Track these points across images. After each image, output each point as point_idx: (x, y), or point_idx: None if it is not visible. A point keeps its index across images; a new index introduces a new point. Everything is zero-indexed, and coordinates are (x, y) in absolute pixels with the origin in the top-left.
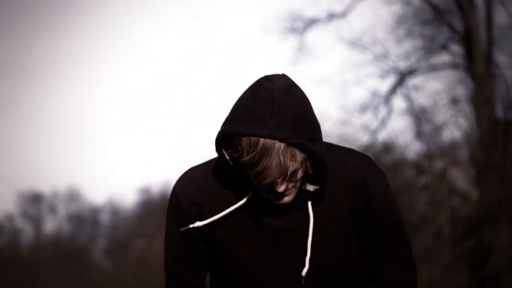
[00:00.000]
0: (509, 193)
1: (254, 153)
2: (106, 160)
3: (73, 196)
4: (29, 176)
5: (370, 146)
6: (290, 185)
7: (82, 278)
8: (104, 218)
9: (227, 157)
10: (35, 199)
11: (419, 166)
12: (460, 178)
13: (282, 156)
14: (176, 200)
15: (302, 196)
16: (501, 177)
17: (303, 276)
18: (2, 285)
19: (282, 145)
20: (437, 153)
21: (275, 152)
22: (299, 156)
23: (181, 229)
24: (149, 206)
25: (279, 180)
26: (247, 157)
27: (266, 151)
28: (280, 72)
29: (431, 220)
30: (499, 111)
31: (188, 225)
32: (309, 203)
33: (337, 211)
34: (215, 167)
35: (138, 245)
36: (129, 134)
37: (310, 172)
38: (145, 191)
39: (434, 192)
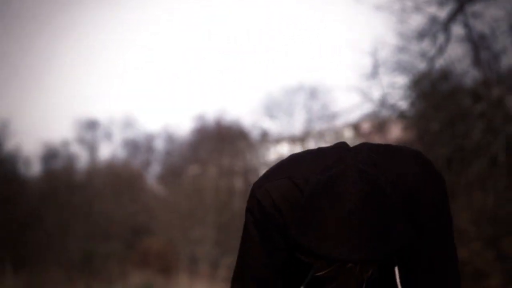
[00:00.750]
0: None
1: (331, 271)
2: (162, 87)
3: (128, 122)
4: (85, 104)
5: (427, 74)
6: None
7: (136, 203)
8: (159, 144)
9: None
10: (91, 125)
11: (476, 93)
12: None
13: (360, 271)
14: (260, 203)
15: None
16: None
17: None
18: (57, 209)
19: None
20: (495, 80)
21: (353, 271)
22: (373, 265)
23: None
24: (203, 133)
25: None
26: (324, 272)
27: (343, 272)
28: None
29: (487, 148)
30: None
31: (273, 231)
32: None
33: None
34: (290, 178)
35: (191, 171)
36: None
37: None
38: (200, 118)
39: (490, 120)
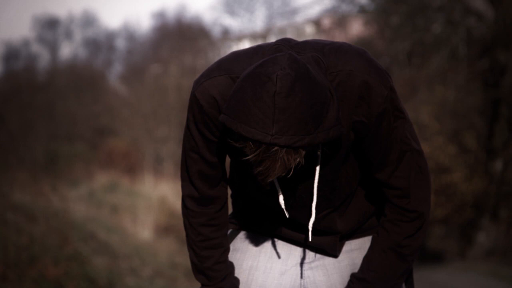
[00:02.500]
0: None
1: (257, 155)
2: None
3: (88, 20)
4: (44, 1)
5: None
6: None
7: (99, 103)
8: (120, 43)
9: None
10: (51, 23)
11: None
12: None
13: (285, 156)
14: (198, 103)
15: None
16: None
17: (309, 228)
18: (19, 110)
19: (283, 149)
20: None
21: (278, 155)
22: (301, 153)
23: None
24: (164, 30)
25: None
26: (251, 156)
27: (269, 156)
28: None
29: (447, 41)
30: None
31: (211, 126)
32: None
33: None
34: (232, 74)
35: (153, 70)
36: None
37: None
38: (160, 15)
39: (450, 13)
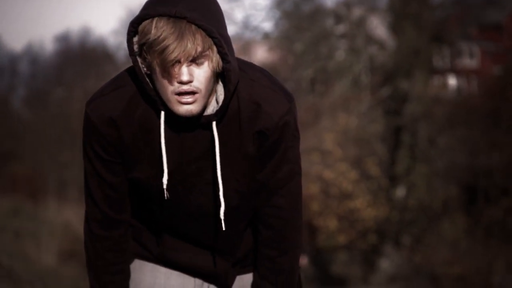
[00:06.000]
0: (425, 41)
1: (162, 29)
2: (24, 5)
3: None
4: None
5: None
6: (197, 73)
7: (2, 128)
8: (23, 66)
9: (140, 64)
10: None
11: (338, 14)
12: (378, 26)
13: (188, 33)
14: (91, 123)
15: (207, 119)
16: (417, 25)
17: (221, 218)
18: None
19: (188, 24)
20: (355, 0)
21: (180, 29)
22: (206, 40)
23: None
24: (68, 54)
25: (184, 62)
26: (154, 36)
27: (172, 28)
28: None
29: (349, 68)
30: None
31: (106, 146)
32: (214, 124)
33: (243, 139)
34: (126, 87)
35: (57, 94)
36: None
37: (218, 72)
38: (64, 39)
39: (352, 40)
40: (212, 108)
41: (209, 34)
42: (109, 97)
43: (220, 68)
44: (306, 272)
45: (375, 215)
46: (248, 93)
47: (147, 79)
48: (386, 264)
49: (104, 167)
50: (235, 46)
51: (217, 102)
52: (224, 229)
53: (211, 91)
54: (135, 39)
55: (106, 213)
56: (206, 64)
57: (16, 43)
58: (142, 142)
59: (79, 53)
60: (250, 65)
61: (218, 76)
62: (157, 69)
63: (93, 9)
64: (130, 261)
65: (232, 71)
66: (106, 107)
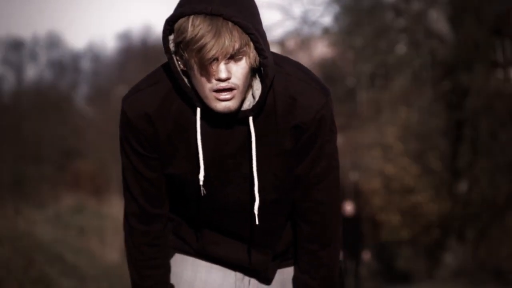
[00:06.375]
0: (485, 34)
1: (198, 27)
2: (85, 4)
3: (53, 42)
4: (8, 23)
5: None
6: (235, 70)
7: (64, 125)
8: (85, 64)
9: (176, 61)
10: (15, 45)
11: (397, 8)
12: (438, 20)
13: (225, 30)
14: (127, 118)
15: (244, 114)
16: (477, 18)
17: (255, 213)
18: None
19: (225, 21)
20: None
21: (217, 26)
22: (243, 37)
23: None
24: (129, 52)
25: (222, 59)
26: (191, 35)
27: (209, 26)
28: None
29: (409, 63)
30: None
31: (142, 141)
32: (250, 119)
33: (279, 133)
34: (162, 83)
35: (119, 91)
36: None
37: (255, 68)
38: (125, 37)
39: (412, 34)
40: (248, 103)
41: (246, 30)
42: (145, 93)
43: (257, 63)
44: (370, 267)
45: (437, 209)
46: (284, 88)
47: (183, 76)
48: (450, 259)
49: (141, 162)
50: (294, 41)
51: (254, 97)
52: (258, 223)
53: (248, 87)
54: (171, 37)
55: (144, 207)
56: (243, 60)
57: (78, 41)
58: (177, 138)
59: (140, 51)
60: (286, 60)
61: (254, 71)
62: (195, 67)
63: (155, 6)
64: (169, 255)
65: (269, 66)
66: (142, 103)
